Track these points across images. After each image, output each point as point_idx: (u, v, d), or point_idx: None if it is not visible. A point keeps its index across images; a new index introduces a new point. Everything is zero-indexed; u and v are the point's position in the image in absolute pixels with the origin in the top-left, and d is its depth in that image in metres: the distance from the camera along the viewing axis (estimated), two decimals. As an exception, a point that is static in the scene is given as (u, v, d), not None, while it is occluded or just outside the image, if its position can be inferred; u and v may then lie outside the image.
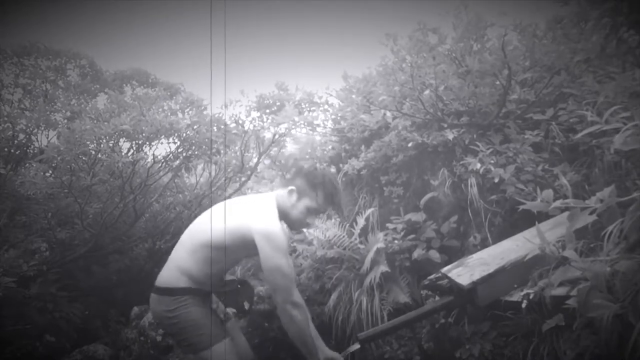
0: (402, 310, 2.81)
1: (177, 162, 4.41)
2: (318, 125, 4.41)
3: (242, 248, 1.98)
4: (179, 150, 4.31)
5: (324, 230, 3.40)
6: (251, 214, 1.96)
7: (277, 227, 1.91)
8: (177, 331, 1.96)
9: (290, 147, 5.02)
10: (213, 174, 4.86)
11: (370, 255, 3.06)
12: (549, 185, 2.70)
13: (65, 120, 4.30)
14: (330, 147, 4.28)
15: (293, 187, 2.05)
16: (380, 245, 3.07)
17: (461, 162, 3.05)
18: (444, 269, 2.38)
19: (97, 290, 4.49)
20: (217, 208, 2.07)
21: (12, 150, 4.02)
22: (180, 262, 1.99)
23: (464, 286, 2.13)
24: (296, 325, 1.90)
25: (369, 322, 2.90)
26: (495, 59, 3.05)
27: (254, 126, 4.53)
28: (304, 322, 1.93)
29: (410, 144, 3.28)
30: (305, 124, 4.34)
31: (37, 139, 4.15)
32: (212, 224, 1.98)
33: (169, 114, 4.23)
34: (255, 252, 1.90)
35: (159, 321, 2.06)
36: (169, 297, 1.95)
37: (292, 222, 2.07)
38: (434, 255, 3.01)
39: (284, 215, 2.03)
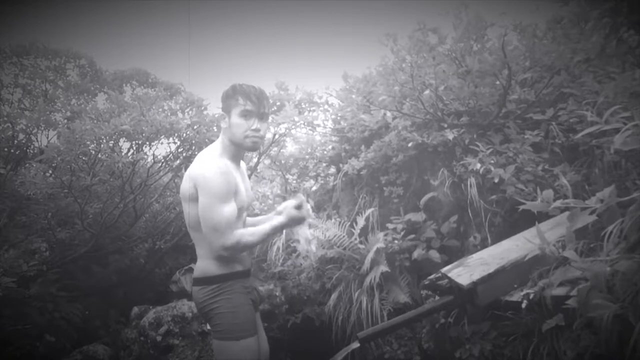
0: (402, 310, 2.81)
1: (177, 162, 4.41)
2: (318, 125, 4.41)
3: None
4: (179, 150, 4.31)
5: (324, 230, 3.40)
6: (192, 169, 1.93)
7: (211, 169, 1.86)
8: (213, 315, 1.92)
9: (290, 147, 5.02)
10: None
11: (370, 255, 3.06)
12: (549, 185, 2.70)
13: (65, 120, 4.30)
14: (330, 147, 4.28)
15: (221, 113, 2.03)
16: (380, 245, 3.08)
17: (461, 162, 3.05)
18: (444, 269, 2.38)
19: (97, 290, 4.48)
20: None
21: (12, 150, 4.02)
22: (205, 248, 1.97)
23: (463, 286, 2.13)
24: (249, 248, 1.92)
25: (369, 322, 2.90)
26: (495, 59, 3.05)
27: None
28: (250, 241, 1.89)
29: (410, 144, 3.28)
30: (305, 124, 4.34)
31: (37, 139, 4.14)
32: (184, 205, 1.98)
33: (169, 114, 4.23)
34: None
35: (200, 309, 2.02)
36: (208, 285, 1.93)
37: (242, 139, 1.97)
38: (434, 255, 3.01)
39: (234, 143, 1.98)
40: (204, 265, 1.98)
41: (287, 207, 2.01)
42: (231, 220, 1.85)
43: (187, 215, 1.98)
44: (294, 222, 2.03)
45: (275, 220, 2.01)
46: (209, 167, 1.87)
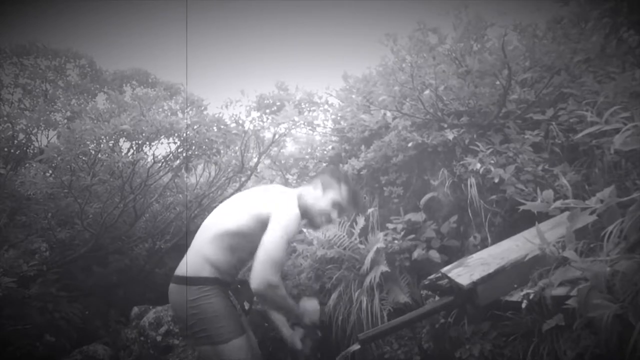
0: (402, 310, 2.81)
1: (177, 162, 4.42)
2: (318, 125, 4.41)
3: (262, 233, 1.98)
4: (179, 150, 4.31)
5: (324, 230, 3.40)
6: (275, 200, 2.01)
7: (295, 213, 1.96)
8: (196, 322, 1.94)
9: (290, 147, 5.03)
10: (213, 174, 4.87)
11: (370, 255, 3.06)
12: (549, 185, 2.70)
13: (65, 120, 4.31)
14: (330, 147, 4.29)
15: (318, 181, 2.15)
16: (380, 245, 3.07)
17: (461, 162, 3.05)
18: (444, 269, 2.38)
19: (97, 290, 4.48)
20: (240, 196, 2.16)
21: (12, 150, 4.02)
22: (203, 250, 2.01)
23: (464, 286, 2.13)
24: (270, 303, 1.97)
25: (369, 322, 2.90)
26: (495, 59, 3.05)
27: (254, 126, 4.54)
28: (278, 300, 1.92)
29: (410, 144, 3.28)
30: (305, 124, 4.34)
31: (37, 139, 4.16)
32: (234, 212, 2.04)
33: (169, 114, 4.23)
34: None
35: (178, 312, 2.04)
36: (191, 286, 1.94)
37: (316, 217, 2.11)
38: (434, 255, 3.01)
39: (306, 212, 2.08)
40: (193, 264, 2.00)
41: (307, 314, 2.11)
42: (283, 262, 1.95)
43: (245, 226, 1.99)
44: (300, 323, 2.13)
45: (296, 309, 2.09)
46: (294, 210, 1.98)
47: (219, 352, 1.92)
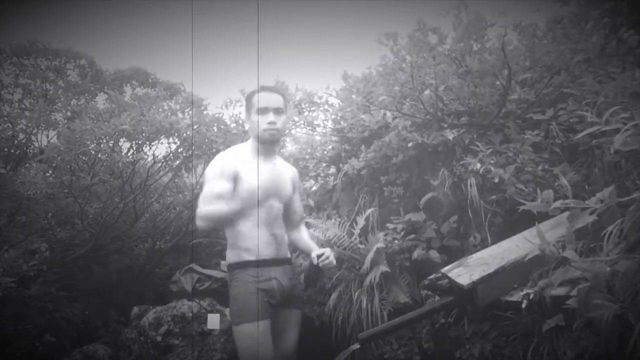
0: (402, 310, 2.81)
1: (177, 162, 4.41)
2: (318, 125, 4.40)
3: None
4: (179, 150, 4.30)
5: (324, 230, 3.40)
6: None
7: (215, 160, 2.29)
8: (230, 300, 2.19)
9: (290, 147, 5.02)
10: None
11: (370, 255, 3.06)
12: (549, 185, 2.70)
13: (65, 120, 4.30)
14: (330, 147, 4.28)
15: (246, 115, 2.40)
16: (380, 245, 3.07)
17: (461, 162, 3.05)
18: (444, 269, 2.38)
19: (97, 290, 4.48)
20: None
21: (12, 150, 4.02)
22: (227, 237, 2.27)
23: (463, 286, 2.13)
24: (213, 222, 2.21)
25: (369, 322, 2.90)
26: (495, 59, 3.05)
27: (254, 126, 4.50)
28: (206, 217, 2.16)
29: (410, 144, 3.28)
30: (305, 124, 4.34)
31: (37, 139, 4.15)
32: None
33: (169, 114, 4.22)
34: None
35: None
36: (228, 272, 2.22)
37: (261, 132, 2.25)
38: (434, 255, 3.01)
39: (255, 139, 2.29)
40: (227, 253, 2.27)
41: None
42: (209, 195, 2.15)
43: None
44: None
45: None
46: (215, 159, 2.31)
47: (234, 332, 2.14)
